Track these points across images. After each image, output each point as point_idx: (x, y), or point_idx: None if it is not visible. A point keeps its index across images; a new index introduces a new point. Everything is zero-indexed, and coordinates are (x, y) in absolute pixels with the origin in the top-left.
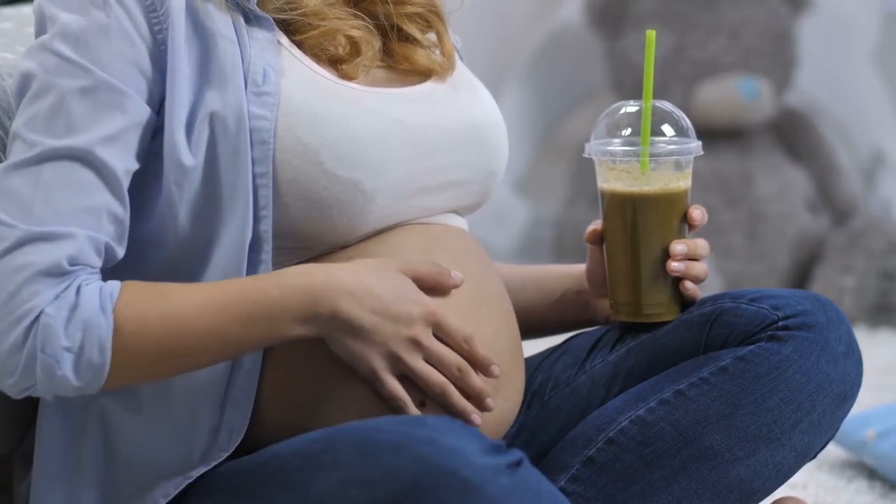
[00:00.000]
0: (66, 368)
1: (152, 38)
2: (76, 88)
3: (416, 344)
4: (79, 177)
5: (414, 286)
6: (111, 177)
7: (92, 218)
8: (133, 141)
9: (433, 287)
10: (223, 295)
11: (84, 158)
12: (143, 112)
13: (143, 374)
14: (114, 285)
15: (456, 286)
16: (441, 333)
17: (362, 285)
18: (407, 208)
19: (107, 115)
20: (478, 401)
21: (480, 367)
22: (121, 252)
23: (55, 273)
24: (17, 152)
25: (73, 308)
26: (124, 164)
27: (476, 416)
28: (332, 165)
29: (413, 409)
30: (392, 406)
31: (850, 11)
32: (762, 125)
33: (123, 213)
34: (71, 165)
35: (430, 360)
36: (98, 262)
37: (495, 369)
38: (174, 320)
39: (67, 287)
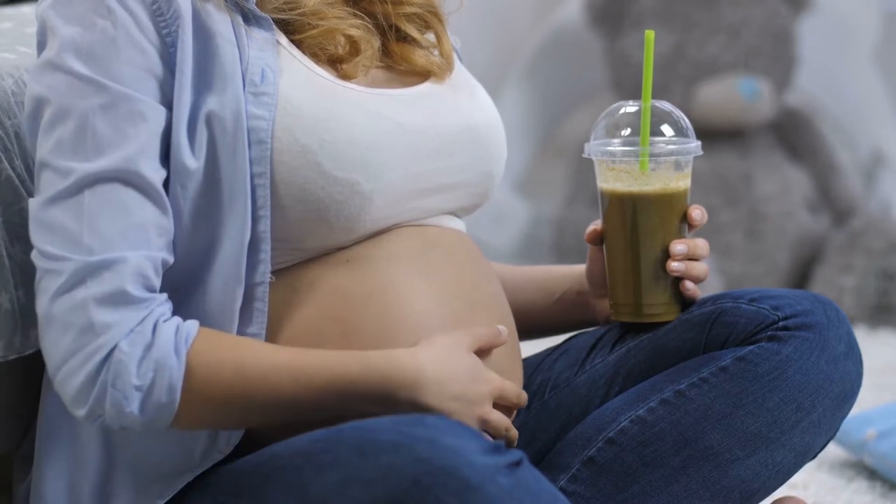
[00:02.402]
0: (134, 406)
1: (161, 42)
2: (96, 107)
3: (484, 421)
4: (120, 197)
5: (480, 363)
6: (151, 189)
7: (141, 235)
8: (161, 147)
9: (488, 350)
10: (303, 361)
11: (121, 178)
12: (163, 114)
13: (209, 420)
14: (191, 327)
15: (504, 342)
16: (500, 400)
17: (445, 373)
18: (404, 210)
19: (131, 128)
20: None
21: (519, 406)
22: (171, 259)
23: (122, 301)
24: (50, 183)
25: (148, 347)
26: (158, 172)
27: None
28: (330, 167)
29: None
30: None
31: (850, 11)
32: (762, 125)
33: (168, 222)
34: (111, 187)
35: (488, 429)
36: (157, 279)
37: (526, 399)
38: (246, 374)
39: (143, 321)
